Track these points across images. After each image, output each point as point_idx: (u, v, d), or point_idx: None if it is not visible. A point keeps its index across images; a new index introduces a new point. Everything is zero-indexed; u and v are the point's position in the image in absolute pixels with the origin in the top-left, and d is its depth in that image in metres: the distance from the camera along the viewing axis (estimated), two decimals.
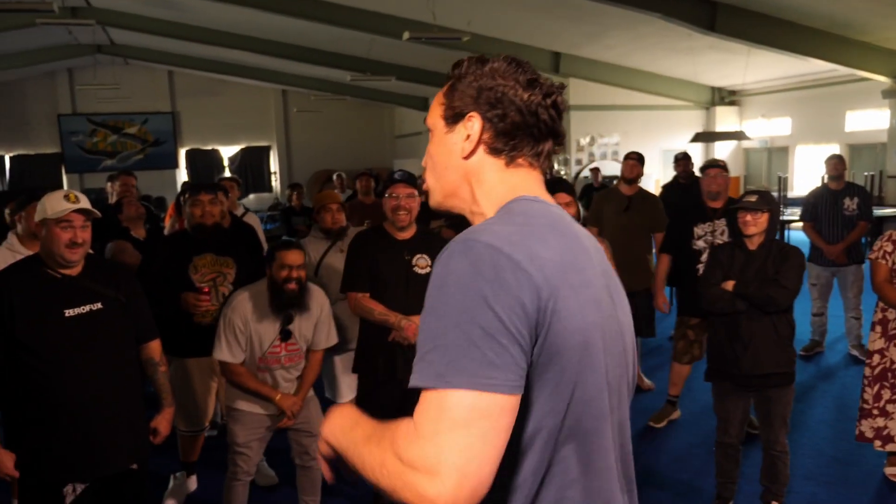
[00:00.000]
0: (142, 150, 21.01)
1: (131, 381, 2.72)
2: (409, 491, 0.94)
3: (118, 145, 20.83)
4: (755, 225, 3.18)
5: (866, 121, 11.91)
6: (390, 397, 3.18)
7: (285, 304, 3.12)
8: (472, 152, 1.17)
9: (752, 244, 3.25)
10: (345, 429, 1.12)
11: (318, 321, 3.26)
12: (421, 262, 3.23)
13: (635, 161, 5.30)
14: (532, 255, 1.01)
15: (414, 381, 0.99)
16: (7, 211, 3.86)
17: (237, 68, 18.34)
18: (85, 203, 2.54)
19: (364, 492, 3.84)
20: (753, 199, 3.22)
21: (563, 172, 13.50)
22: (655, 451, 4.32)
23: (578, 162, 13.69)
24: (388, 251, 3.23)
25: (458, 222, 6.70)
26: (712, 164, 4.52)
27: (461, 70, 1.19)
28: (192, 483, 3.90)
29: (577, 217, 3.40)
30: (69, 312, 2.51)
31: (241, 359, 3.14)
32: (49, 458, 2.52)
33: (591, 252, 1.14)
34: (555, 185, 3.42)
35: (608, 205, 5.31)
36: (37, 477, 2.53)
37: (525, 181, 1.18)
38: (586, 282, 1.07)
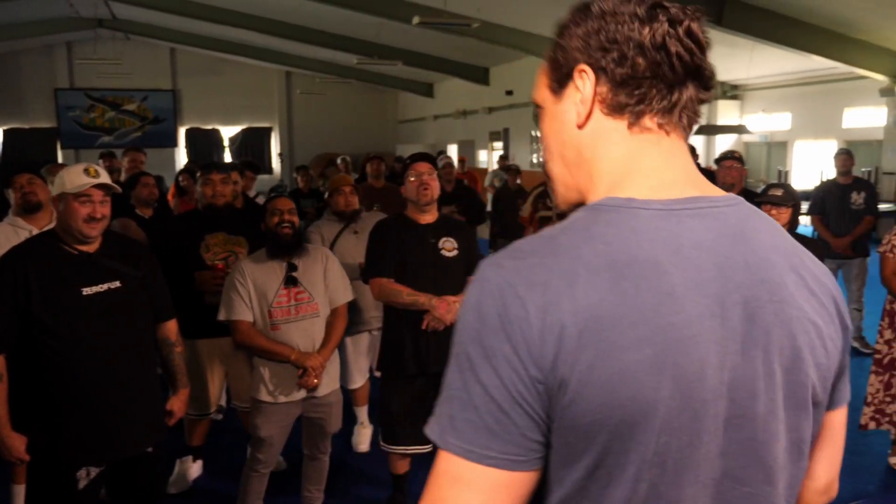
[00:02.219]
0: (140, 127, 20.96)
1: (148, 361, 2.66)
2: None
3: (116, 122, 20.78)
4: (779, 219, 3.24)
5: (863, 118, 11.99)
6: (421, 393, 3.15)
7: (282, 248, 3.07)
8: (588, 116, 0.89)
9: None
10: None
11: (325, 271, 3.18)
12: (448, 245, 3.19)
13: None
14: (553, 303, 0.78)
15: (427, 429, 0.85)
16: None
17: (241, 48, 18.29)
18: (105, 178, 2.48)
19: (370, 488, 3.94)
20: (779, 193, 3.29)
21: None
22: None
23: None
24: (413, 235, 3.17)
25: (469, 209, 6.72)
26: (728, 156, 4.61)
27: (562, 24, 0.92)
28: (198, 468, 3.85)
29: None
30: (87, 290, 2.43)
31: (248, 316, 3.04)
32: (63, 441, 2.43)
33: (685, 292, 0.81)
34: None
35: None
36: (49, 460, 2.44)
37: (648, 156, 0.88)
38: (645, 338, 0.78)
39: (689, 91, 0.88)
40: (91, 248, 2.49)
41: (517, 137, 16.24)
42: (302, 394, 3.10)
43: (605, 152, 0.89)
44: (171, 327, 2.79)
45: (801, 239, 3.36)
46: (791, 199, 3.27)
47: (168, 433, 2.78)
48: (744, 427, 0.84)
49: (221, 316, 3.09)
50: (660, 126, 0.88)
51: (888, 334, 3.86)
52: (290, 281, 3.07)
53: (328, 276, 3.19)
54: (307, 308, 3.10)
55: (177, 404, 2.77)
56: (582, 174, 0.92)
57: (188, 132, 21.48)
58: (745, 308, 0.83)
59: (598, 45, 0.87)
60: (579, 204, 0.93)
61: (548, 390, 0.78)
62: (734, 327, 0.83)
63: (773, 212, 3.25)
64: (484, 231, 9.21)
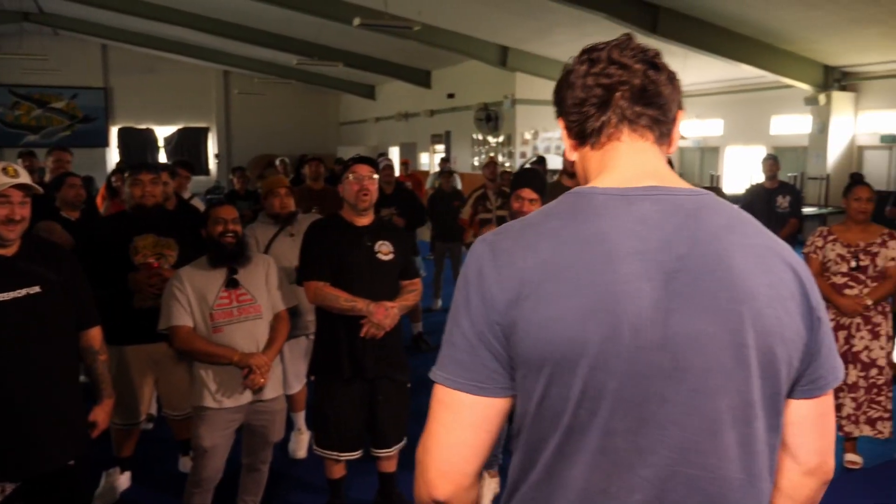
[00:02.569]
0: (69, 126, 20.24)
1: (70, 370, 2.55)
2: (417, 463, 1.11)
3: (43, 120, 20.02)
4: None
5: (790, 125, 12.50)
6: (358, 397, 3.13)
7: (225, 257, 3.02)
8: (572, 149, 1.17)
9: None
10: None
11: (267, 276, 3.15)
12: (384, 249, 3.15)
13: None
14: (510, 262, 1.02)
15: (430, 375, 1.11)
16: None
17: (177, 46, 17.85)
18: (25, 178, 2.36)
19: (306, 495, 3.88)
20: None
21: (507, 165, 13.70)
22: None
23: (523, 155, 13.91)
24: (349, 238, 3.14)
25: (409, 212, 6.71)
26: None
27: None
28: (126, 480, 3.71)
29: None
30: (4, 296, 2.32)
31: (187, 321, 2.96)
32: None
33: (632, 249, 1.00)
34: (521, 179, 3.38)
35: (551, 198, 5.47)
36: None
37: (612, 160, 1.10)
38: (579, 290, 0.98)
39: (621, 107, 1.08)
40: (9, 251, 2.38)
41: (459, 140, 16.31)
42: (248, 397, 3.02)
43: (587, 165, 1.14)
44: (95, 335, 2.69)
45: None
46: None
47: (95, 444, 2.68)
48: (686, 380, 0.98)
49: (161, 325, 3.02)
50: (610, 138, 1.10)
51: None
52: (232, 283, 3.03)
53: (269, 282, 3.16)
54: (250, 309, 3.05)
55: (100, 415, 2.66)
56: (582, 182, 1.17)
57: (121, 132, 20.83)
58: (688, 274, 0.99)
59: (557, 100, 1.15)
60: None
61: (503, 330, 1.01)
62: (677, 290, 0.98)
63: None
64: (426, 233, 9.21)
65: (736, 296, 0.99)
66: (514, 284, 1.01)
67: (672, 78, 1.11)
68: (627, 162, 1.09)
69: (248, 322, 3.03)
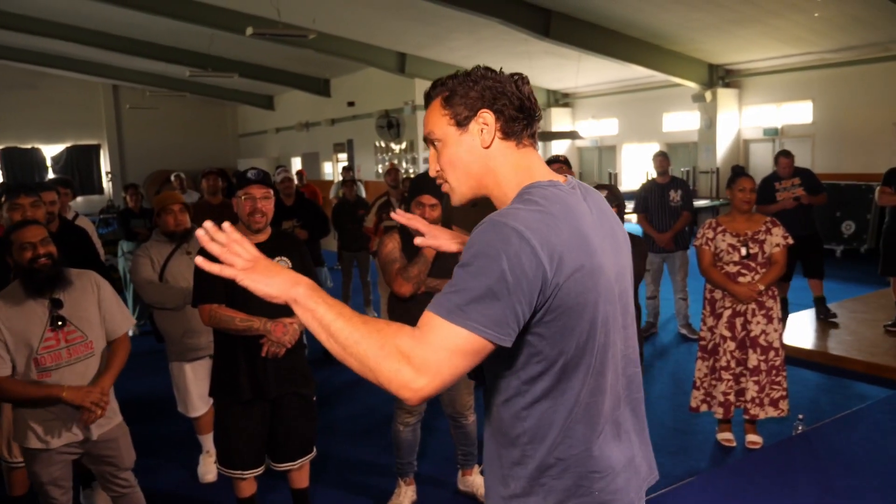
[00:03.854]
0: None
1: None
2: (396, 376, 1.24)
3: None
4: None
5: (680, 122, 13.10)
6: (259, 416, 3.06)
7: (43, 284, 2.69)
8: (492, 141, 1.42)
9: None
10: (324, 299, 1.31)
11: (99, 301, 2.86)
12: (281, 265, 3.10)
13: None
14: (543, 241, 1.27)
15: (432, 307, 1.27)
16: None
17: (60, 60, 16.96)
18: None
19: None
20: (603, 194, 3.46)
21: (410, 172, 13.72)
22: None
23: (426, 160, 13.97)
24: None
25: (311, 223, 6.56)
26: (554, 160, 4.81)
27: (450, 85, 1.43)
28: None
29: (438, 220, 3.42)
30: None
31: (4, 371, 2.66)
32: None
33: (594, 219, 1.40)
34: (421, 186, 3.33)
35: (456, 208, 5.47)
36: None
37: (534, 162, 1.45)
38: (597, 254, 1.34)
39: (537, 126, 1.47)
40: None
41: (361, 148, 16.22)
42: (78, 435, 2.79)
43: (505, 160, 1.43)
44: None
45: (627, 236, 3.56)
46: (615, 200, 3.47)
47: None
48: (627, 306, 1.49)
49: None
50: (531, 143, 1.46)
51: (710, 321, 4.16)
52: (57, 321, 2.72)
53: (103, 307, 2.89)
54: (81, 349, 2.78)
55: None
56: (489, 178, 1.45)
57: (3, 152, 19.61)
58: (611, 238, 1.44)
59: (491, 96, 1.40)
60: (473, 198, 1.49)
61: (541, 294, 1.28)
62: (613, 248, 1.43)
63: None
64: (331, 243, 9.08)
65: (623, 248, 1.51)
66: (551, 258, 1.27)
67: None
68: (540, 164, 1.46)
69: (80, 363, 2.79)
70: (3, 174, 19.26)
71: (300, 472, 3.29)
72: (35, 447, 2.77)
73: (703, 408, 4.21)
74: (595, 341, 1.36)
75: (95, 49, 14.45)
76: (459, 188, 1.48)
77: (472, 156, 1.43)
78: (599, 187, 3.58)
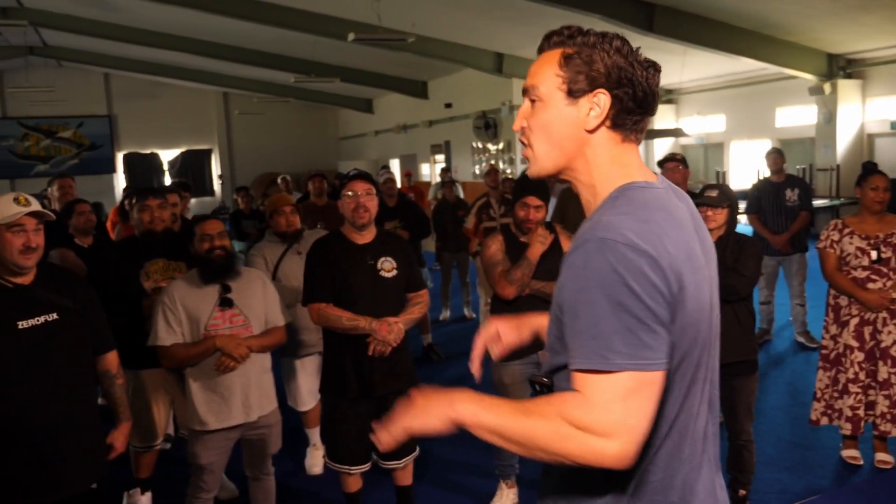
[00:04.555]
0: (77, 154, 20.42)
1: (88, 395, 2.59)
2: (588, 451, 1.11)
3: (52, 150, 20.21)
4: (715, 220, 3.28)
5: (795, 117, 12.40)
6: (365, 415, 3.11)
7: (215, 272, 2.99)
8: (598, 126, 1.25)
9: (712, 237, 3.35)
10: (485, 407, 1.20)
11: (264, 293, 3.13)
12: (386, 266, 3.13)
13: None
14: (661, 251, 1.14)
15: (578, 365, 1.13)
16: None
17: (176, 70, 17.97)
18: (36, 206, 2.40)
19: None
20: (714, 194, 3.31)
21: (508, 172, 13.67)
22: None
23: (524, 161, 13.88)
24: (351, 257, 3.10)
25: (413, 224, 6.66)
26: (670, 158, 4.68)
27: (580, 42, 1.24)
28: (147, 500, 3.73)
29: (542, 221, 3.38)
30: (22, 324, 2.35)
31: (176, 340, 2.98)
32: (2, 482, 2.36)
33: (691, 226, 1.27)
34: (526, 187, 3.30)
35: (571, 202, 5.38)
36: None
37: (634, 160, 1.29)
38: (698, 265, 1.22)
39: (648, 120, 1.29)
40: (26, 279, 2.42)
41: (458, 149, 16.30)
42: (239, 418, 3.04)
43: (605, 153, 1.27)
44: (111, 359, 2.73)
45: (739, 237, 3.39)
46: (726, 200, 3.31)
47: (115, 466, 2.70)
48: (717, 325, 1.32)
49: (150, 341, 3.03)
50: (636, 139, 1.29)
51: (833, 329, 3.88)
52: (226, 302, 3.01)
53: (266, 300, 3.14)
54: (241, 331, 3.03)
55: (118, 438, 2.70)
56: (580, 162, 1.28)
57: (126, 157, 20.97)
58: (704, 246, 1.29)
59: (618, 78, 1.22)
60: (553, 175, 1.32)
61: (672, 308, 1.15)
62: (707, 259, 1.29)
63: (710, 213, 3.26)
64: (431, 244, 9.18)
65: (712, 250, 1.36)
66: (673, 268, 1.14)
67: None
68: (640, 161, 1.31)
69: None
70: (126, 178, 20.58)
71: (404, 470, 3.33)
72: (199, 428, 3.03)
73: (824, 421, 3.93)
74: (691, 362, 1.23)
75: (208, 59, 15.22)
76: (544, 160, 1.30)
77: (571, 131, 1.25)
78: (709, 187, 3.42)
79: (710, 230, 3.29)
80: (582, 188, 1.31)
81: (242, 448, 3.22)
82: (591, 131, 1.24)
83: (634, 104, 1.24)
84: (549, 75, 1.25)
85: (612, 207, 1.20)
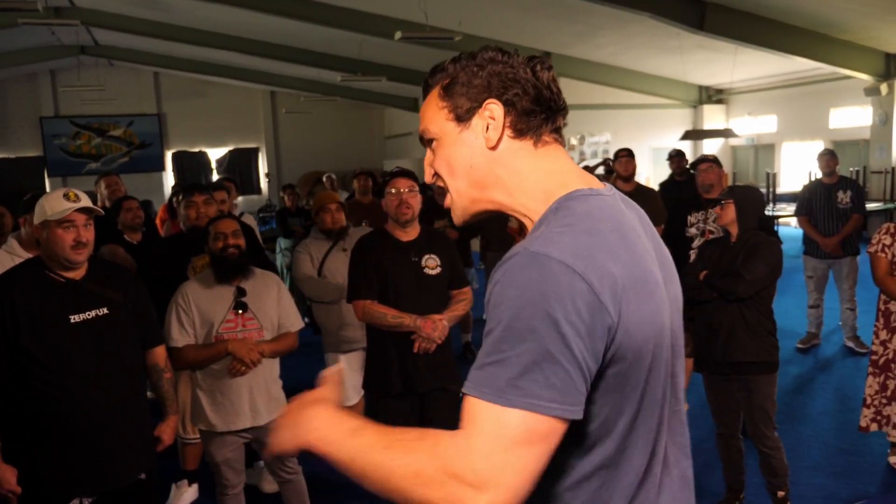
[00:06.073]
0: (127, 152, 20.85)
1: (138, 388, 2.65)
2: (450, 502, 0.95)
3: (103, 148, 20.65)
4: (721, 216, 3.30)
5: (849, 118, 12.06)
6: (409, 410, 3.12)
7: (229, 271, 2.98)
8: (500, 140, 1.13)
9: (733, 236, 3.31)
10: (342, 434, 1.08)
11: (278, 298, 3.11)
12: (430, 263, 3.14)
13: (627, 157, 5.46)
14: (602, 273, 0.98)
15: (469, 390, 0.98)
16: None
17: (224, 69, 18.25)
18: (86, 201, 2.45)
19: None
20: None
21: None
22: None
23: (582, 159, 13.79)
24: (395, 254, 3.12)
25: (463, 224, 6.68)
26: (702, 160, 4.73)
27: (451, 71, 1.16)
28: (193, 492, 3.81)
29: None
30: (75, 318, 2.41)
31: (188, 342, 2.96)
32: (55, 472, 2.41)
33: (644, 239, 1.12)
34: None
35: None
36: (41, 492, 2.42)
37: (562, 164, 1.15)
38: (652, 287, 1.06)
39: (561, 119, 1.17)
40: (77, 274, 2.48)
41: None
42: (246, 422, 3.01)
43: (523, 165, 1.13)
44: (160, 353, 2.77)
45: (755, 238, 3.27)
46: (730, 195, 3.30)
47: (163, 458, 2.75)
48: (679, 349, 1.17)
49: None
50: (555, 140, 1.15)
51: (883, 335, 3.81)
52: (240, 306, 2.99)
53: (280, 304, 3.11)
54: (254, 335, 3.01)
55: (166, 431, 2.75)
56: (497, 188, 1.15)
57: (175, 155, 21.37)
58: (662, 259, 1.16)
59: (500, 84, 1.11)
60: (481, 214, 1.19)
61: (606, 344, 0.99)
62: (666, 273, 1.15)
63: (718, 210, 3.31)
64: (475, 243, 9.15)
65: (671, 263, 1.21)
66: (614, 295, 0.99)
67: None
68: (572, 165, 1.18)
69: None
70: (175, 176, 21.01)
71: None
72: (210, 430, 3.03)
73: (874, 427, 3.85)
74: (653, 396, 1.08)
75: (256, 57, 15.41)
76: (459, 199, 1.18)
77: (474, 157, 1.13)
78: (734, 189, 3.37)
79: (724, 225, 3.31)
80: (517, 217, 1.16)
81: (261, 454, 3.20)
82: (495, 147, 1.13)
83: (531, 103, 1.12)
84: (434, 112, 1.17)
85: (552, 221, 1.06)
